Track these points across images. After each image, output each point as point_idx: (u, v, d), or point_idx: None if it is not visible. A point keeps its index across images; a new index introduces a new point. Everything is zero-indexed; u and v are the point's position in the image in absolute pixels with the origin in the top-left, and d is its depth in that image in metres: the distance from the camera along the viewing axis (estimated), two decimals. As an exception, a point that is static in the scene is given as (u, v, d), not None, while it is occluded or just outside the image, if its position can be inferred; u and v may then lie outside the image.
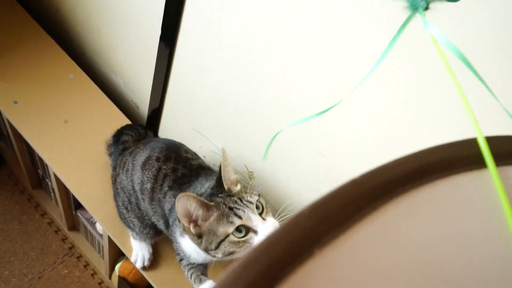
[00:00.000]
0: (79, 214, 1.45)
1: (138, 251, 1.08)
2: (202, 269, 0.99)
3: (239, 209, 0.69)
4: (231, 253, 0.68)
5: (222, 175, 0.74)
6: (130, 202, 1.01)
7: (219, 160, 1.13)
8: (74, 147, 1.23)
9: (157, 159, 0.95)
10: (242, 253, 0.66)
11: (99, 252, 1.55)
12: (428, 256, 0.22)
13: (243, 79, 0.90)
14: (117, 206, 1.08)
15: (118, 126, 1.28)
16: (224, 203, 0.70)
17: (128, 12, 1.11)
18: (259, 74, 0.86)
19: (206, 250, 0.70)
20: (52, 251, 1.61)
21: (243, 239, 0.67)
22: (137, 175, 0.95)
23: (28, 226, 1.63)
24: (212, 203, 0.70)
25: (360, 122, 0.73)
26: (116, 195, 1.06)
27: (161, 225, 0.97)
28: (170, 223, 0.89)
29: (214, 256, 0.70)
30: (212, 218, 0.70)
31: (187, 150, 1.03)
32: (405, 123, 0.67)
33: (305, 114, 0.82)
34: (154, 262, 1.12)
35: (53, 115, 1.26)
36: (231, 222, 0.68)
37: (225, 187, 0.74)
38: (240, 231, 0.67)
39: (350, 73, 0.70)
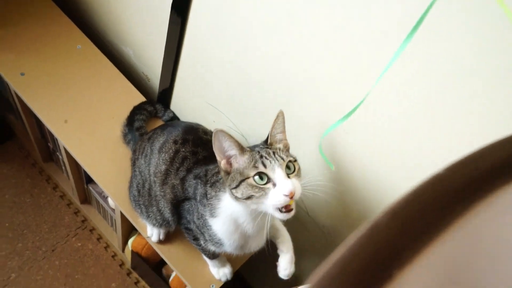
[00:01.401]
0: (90, 188, 1.44)
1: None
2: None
3: (268, 159, 0.71)
4: (249, 197, 0.70)
5: (270, 130, 0.76)
6: (143, 186, 0.99)
7: (234, 134, 1.10)
8: (83, 121, 1.19)
9: (175, 142, 0.93)
10: (258, 199, 0.69)
11: (111, 225, 1.55)
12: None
13: (262, 49, 0.85)
14: (131, 187, 1.06)
15: (129, 99, 1.24)
16: (258, 151, 0.73)
17: (138, -22, 1.05)
18: (278, 45, 0.81)
19: (229, 187, 0.73)
20: (65, 224, 1.61)
21: (260, 185, 0.69)
22: (154, 159, 0.94)
23: (40, 199, 1.63)
24: (246, 148, 0.73)
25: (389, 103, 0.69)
26: (133, 177, 1.05)
27: (167, 212, 0.95)
28: (197, 201, 0.86)
29: (234, 197, 0.73)
30: (242, 160, 0.72)
31: (206, 131, 1.00)
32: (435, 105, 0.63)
33: (327, 90, 0.78)
34: (167, 238, 1.10)
35: (61, 88, 1.22)
36: (255, 167, 0.70)
37: (269, 141, 0.77)
38: (261, 178, 0.69)
39: (374, 53, 0.65)
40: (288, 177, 0.71)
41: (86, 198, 1.59)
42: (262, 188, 0.70)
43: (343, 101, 0.77)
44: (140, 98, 1.26)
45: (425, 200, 0.18)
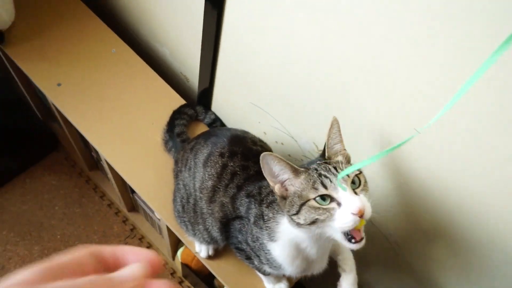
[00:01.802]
0: (136, 197, 1.38)
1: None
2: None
3: (328, 177, 0.61)
4: (313, 222, 0.60)
5: (326, 141, 0.67)
6: (188, 202, 0.90)
7: (281, 136, 0.99)
8: (123, 129, 1.12)
9: (221, 155, 0.82)
10: (323, 222, 0.59)
11: (160, 233, 1.49)
12: None
13: (308, 44, 0.72)
14: (174, 201, 0.98)
15: (167, 102, 1.16)
16: (315, 169, 0.63)
17: (167, -30, 0.96)
18: (327, 40, 0.68)
19: (289, 214, 0.64)
20: (114, 234, 1.57)
21: (324, 206, 0.59)
22: (199, 173, 0.84)
23: (88, 208, 1.60)
24: (300, 168, 0.63)
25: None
26: (176, 190, 0.96)
27: (215, 230, 0.86)
28: (252, 223, 0.76)
29: (296, 223, 0.63)
30: (298, 182, 0.63)
31: (254, 140, 0.89)
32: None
33: (376, 92, 0.64)
34: (216, 252, 1.01)
35: (98, 95, 1.16)
36: (315, 189, 0.60)
37: (326, 155, 0.67)
38: (324, 199, 0.60)
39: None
40: (355, 193, 0.59)
41: (133, 206, 1.55)
42: (326, 209, 0.59)
43: (409, 109, 0.63)
44: (179, 100, 1.18)
45: None
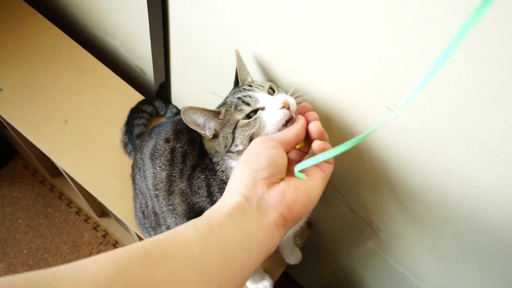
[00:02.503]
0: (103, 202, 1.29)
1: None
2: None
3: (246, 95, 0.62)
4: (251, 138, 0.60)
5: (238, 74, 0.68)
6: (147, 206, 0.82)
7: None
8: (77, 133, 1.03)
9: (166, 140, 0.74)
10: (259, 131, 0.60)
11: (134, 235, 1.41)
12: None
13: (262, 20, 0.64)
14: (135, 208, 0.90)
15: (124, 99, 1.06)
16: (233, 96, 0.64)
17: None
18: (281, 14, 0.60)
19: (227, 148, 0.63)
20: (86, 242, 1.48)
21: (252, 118, 0.60)
22: (148, 170, 0.76)
23: (55, 218, 1.50)
24: (220, 109, 0.64)
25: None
26: (134, 197, 0.89)
27: None
28: (216, 168, 0.72)
29: (236, 152, 0.62)
30: (221, 117, 0.63)
31: None
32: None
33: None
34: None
35: (45, 98, 1.05)
36: (240, 110, 0.62)
37: (240, 85, 0.68)
38: (250, 117, 0.61)
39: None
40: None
41: (103, 211, 1.46)
42: (255, 119, 0.60)
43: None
44: (137, 96, 1.09)
45: None
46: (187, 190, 0.72)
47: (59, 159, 1.01)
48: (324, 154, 0.48)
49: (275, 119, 0.58)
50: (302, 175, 0.53)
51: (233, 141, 0.61)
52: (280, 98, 0.60)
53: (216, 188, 0.70)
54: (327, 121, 0.68)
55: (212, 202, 0.70)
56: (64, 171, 1.04)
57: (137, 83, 1.18)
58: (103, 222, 1.48)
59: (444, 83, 0.48)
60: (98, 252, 1.47)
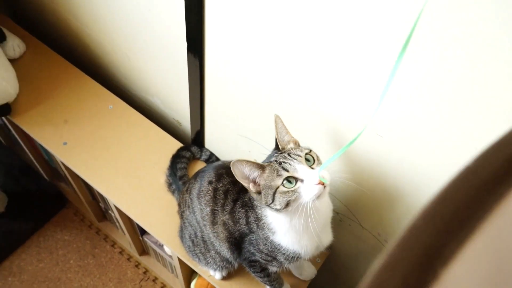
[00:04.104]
0: (145, 239, 1.47)
1: None
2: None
3: (286, 162, 0.74)
4: (287, 204, 0.73)
5: (276, 137, 0.80)
6: (196, 236, 1.01)
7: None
8: (128, 175, 1.23)
9: (209, 183, 0.93)
10: (295, 201, 0.72)
11: (172, 272, 1.57)
12: None
13: (282, 73, 0.86)
14: (183, 238, 1.07)
15: (165, 146, 1.28)
16: (275, 160, 0.76)
17: (151, 31, 1.10)
18: (296, 67, 0.81)
19: (267, 204, 0.76)
20: (129, 279, 1.64)
21: (291, 188, 0.72)
22: (196, 207, 0.95)
23: (101, 258, 1.68)
24: (264, 164, 0.76)
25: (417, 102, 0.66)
26: (184, 229, 1.06)
27: (224, 251, 0.96)
28: (257, 229, 0.88)
29: (275, 210, 0.76)
30: (265, 175, 0.75)
31: None
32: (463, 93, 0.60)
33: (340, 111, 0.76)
34: (229, 276, 1.10)
35: (102, 148, 1.27)
36: (280, 175, 0.73)
37: (280, 147, 0.79)
38: (290, 182, 0.72)
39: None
40: (312, 168, 0.74)
41: (143, 250, 1.63)
42: (293, 190, 0.72)
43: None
44: (175, 143, 1.30)
45: (458, 195, 0.17)
46: (229, 221, 0.90)
47: (114, 197, 1.20)
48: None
49: (311, 194, 0.71)
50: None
51: (272, 201, 0.75)
52: (316, 174, 0.71)
53: (252, 220, 0.88)
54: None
55: (249, 229, 0.88)
56: (115, 207, 1.24)
57: (173, 133, 1.39)
58: (144, 260, 1.64)
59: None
60: (140, 287, 1.62)
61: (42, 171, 1.70)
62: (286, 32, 0.76)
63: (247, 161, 0.74)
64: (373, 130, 0.77)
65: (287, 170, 0.73)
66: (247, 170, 0.75)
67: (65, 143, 1.28)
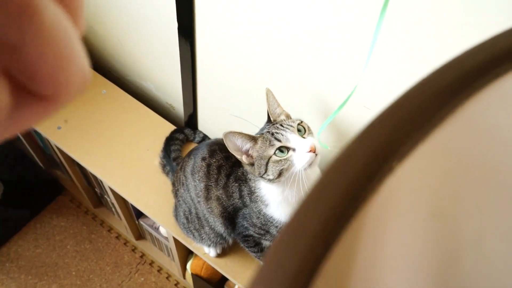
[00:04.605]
0: (141, 222, 1.49)
1: None
2: None
3: (278, 133, 0.76)
4: (280, 173, 0.75)
5: (268, 109, 0.82)
6: (190, 213, 1.03)
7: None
8: (122, 159, 1.25)
9: (203, 159, 0.95)
10: (288, 170, 0.74)
11: (168, 255, 1.59)
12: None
13: (271, 52, 0.88)
14: (178, 216, 1.09)
15: (159, 129, 1.29)
16: (267, 131, 0.78)
17: (142, 14, 1.11)
18: (283, 44, 0.83)
19: (260, 175, 0.78)
20: (126, 262, 1.67)
21: (284, 157, 0.74)
22: (191, 184, 0.97)
23: (98, 243, 1.70)
24: (257, 136, 0.78)
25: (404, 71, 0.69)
26: (178, 207, 1.08)
27: (218, 226, 0.98)
28: (250, 202, 0.89)
29: (268, 180, 0.78)
30: (258, 146, 0.77)
31: None
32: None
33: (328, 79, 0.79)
34: (223, 254, 1.13)
35: (96, 132, 1.29)
36: (272, 145, 0.75)
37: (272, 119, 0.82)
38: (282, 151, 0.74)
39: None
40: (303, 137, 0.76)
41: (140, 234, 1.65)
42: (286, 159, 0.74)
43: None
44: (169, 126, 1.32)
45: (417, 99, 0.19)
46: (223, 195, 0.93)
47: (109, 180, 1.22)
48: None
49: (303, 161, 0.73)
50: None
51: (265, 172, 0.77)
52: (308, 143, 0.73)
53: (246, 193, 0.90)
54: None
55: (243, 203, 0.90)
56: (111, 189, 1.26)
57: (167, 116, 1.41)
58: (140, 244, 1.67)
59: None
60: (137, 271, 1.65)
61: (37, 159, 1.71)
62: (270, 7, 0.78)
63: (239, 133, 0.76)
64: (361, 102, 0.80)
65: (279, 140, 0.75)
66: (239, 141, 0.77)
67: (59, 128, 1.29)
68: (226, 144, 0.76)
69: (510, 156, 0.18)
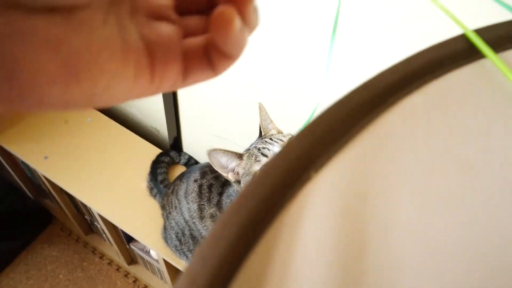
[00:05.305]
0: (132, 247, 1.50)
1: None
2: None
3: (265, 147, 0.72)
4: None
5: (260, 124, 0.79)
6: (183, 234, 1.04)
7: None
8: (110, 184, 1.27)
9: (195, 181, 0.98)
10: None
11: (161, 278, 1.59)
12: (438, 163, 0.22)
13: (247, 72, 0.91)
14: (169, 238, 1.11)
15: (145, 153, 1.32)
16: (255, 146, 0.75)
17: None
18: (257, 66, 0.87)
19: None
20: (119, 288, 1.66)
21: None
22: (184, 206, 0.99)
23: (90, 270, 1.70)
24: (243, 152, 0.75)
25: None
26: (169, 229, 1.09)
27: None
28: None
29: None
30: (243, 163, 0.74)
31: None
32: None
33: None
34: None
35: (83, 160, 1.31)
36: (258, 161, 0.72)
37: (263, 134, 0.79)
38: None
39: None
40: None
41: (132, 259, 1.65)
42: None
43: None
44: (155, 150, 1.34)
45: (333, 117, 0.22)
46: (216, 213, 0.94)
47: (97, 206, 1.24)
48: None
49: None
50: None
51: None
52: None
53: None
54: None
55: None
56: (100, 215, 1.27)
57: (152, 140, 1.44)
58: (133, 269, 1.67)
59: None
60: (131, 296, 1.65)
61: (26, 189, 1.72)
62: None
63: (224, 150, 0.73)
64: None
65: (265, 156, 0.72)
66: (224, 159, 0.75)
67: (46, 157, 1.31)
68: (211, 162, 0.74)
69: (418, 161, 0.22)
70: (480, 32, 0.26)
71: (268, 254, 0.17)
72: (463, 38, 0.27)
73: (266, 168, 0.20)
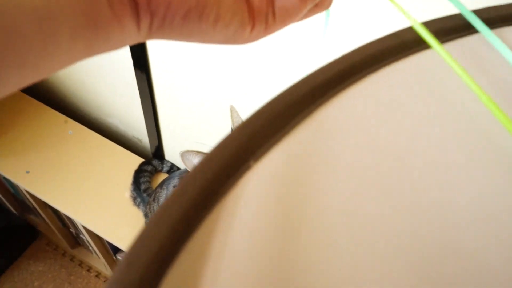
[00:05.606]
0: (119, 258, 1.49)
1: None
2: None
3: None
4: None
5: (232, 126, 0.78)
6: None
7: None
8: (94, 196, 1.27)
9: (174, 187, 0.98)
10: None
11: None
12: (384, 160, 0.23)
13: (225, 79, 0.93)
14: None
15: (127, 163, 1.32)
16: None
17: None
18: (237, 69, 0.88)
19: None
20: (108, 301, 1.65)
21: None
22: None
23: (78, 284, 1.69)
24: None
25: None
26: None
27: None
28: None
29: None
30: None
31: None
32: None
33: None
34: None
35: (65, 173, 1.31)
36: None
37: None
38: None
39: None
40: None
41: (120, 270, 1.65)
42: None
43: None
44: (137, 159, 1.34)
45: (274, 109, 0.23)
46: None
47: (81, 218, 1.23)
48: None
49: None
50: None
51: None
52: None
53: None
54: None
55: None
56: (84, 227, 1.27)
57: (134, 150, 1.44)
58: (121, 280, 1.66)
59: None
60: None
61: (10, 206, 1.70)
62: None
63: (197, 152, 0.73)
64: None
65: None
66: (197, 160, 0.74)
67: (27, 172, 1.30)
68: (184, 164, 0.74)
69: (353, 150, 0.23)
70: (427, 24, 0.28)
71: (208, 239, 0.19)
72: (410, 29, 0.28)
73: (207, 158, 0.21)
